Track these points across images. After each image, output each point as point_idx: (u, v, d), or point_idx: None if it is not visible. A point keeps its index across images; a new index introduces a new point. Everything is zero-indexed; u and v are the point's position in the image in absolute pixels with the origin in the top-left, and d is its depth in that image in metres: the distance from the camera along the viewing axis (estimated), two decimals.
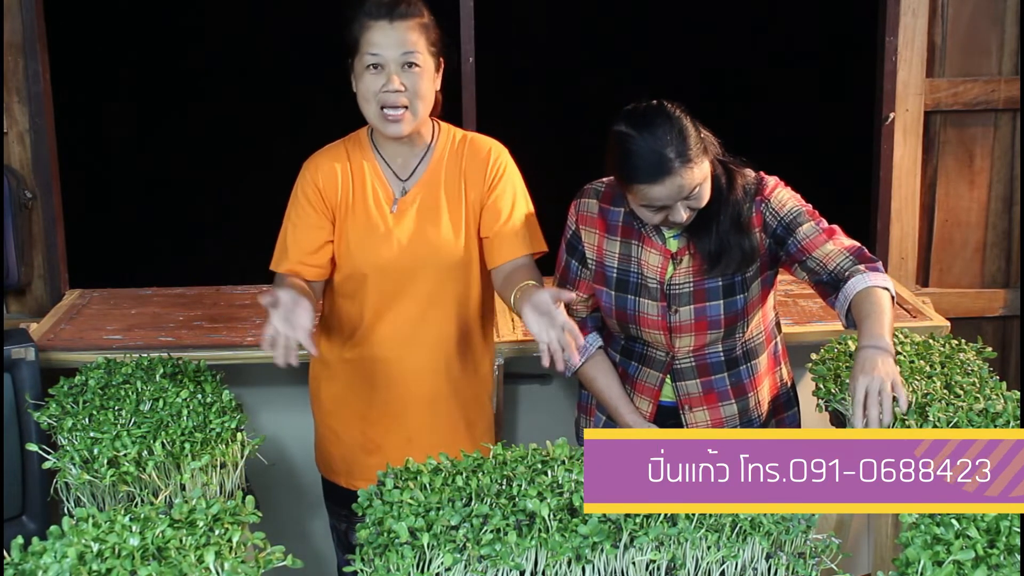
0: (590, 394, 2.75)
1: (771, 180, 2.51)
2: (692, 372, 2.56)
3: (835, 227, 2.49)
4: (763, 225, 2.47)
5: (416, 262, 2.55)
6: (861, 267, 2.41)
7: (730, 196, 2.44)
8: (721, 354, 2.56)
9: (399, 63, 2.44)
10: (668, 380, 2.58)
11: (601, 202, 2.55)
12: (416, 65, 2.45)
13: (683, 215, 2.36)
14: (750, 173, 2.50)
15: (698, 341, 2.53)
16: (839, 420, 2.55)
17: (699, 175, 2.33)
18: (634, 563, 1.90)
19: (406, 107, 2.46)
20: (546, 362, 2.25)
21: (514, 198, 2.60)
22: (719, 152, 2.44)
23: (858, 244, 2.47)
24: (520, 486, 2.01)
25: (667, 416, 2.58)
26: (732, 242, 2.44)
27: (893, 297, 2.43)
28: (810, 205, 2.50)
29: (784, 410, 2.72)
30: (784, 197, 2.49)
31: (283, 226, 2.61)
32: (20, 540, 1.85)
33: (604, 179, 2.57)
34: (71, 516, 1.93)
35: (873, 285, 2.38)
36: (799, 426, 2.76)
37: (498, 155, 2.61)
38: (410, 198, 2.58)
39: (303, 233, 2.56)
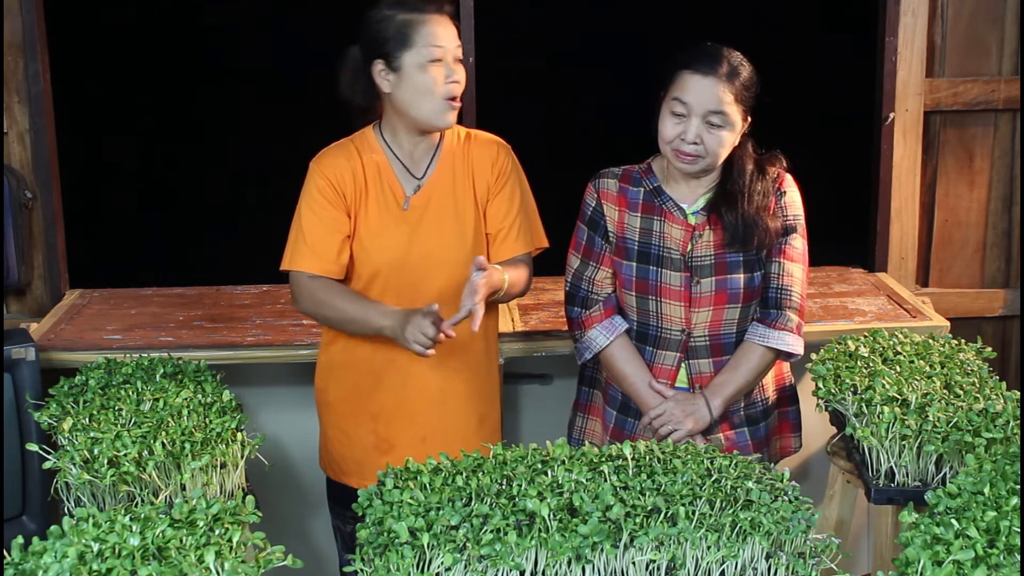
0: (590, 391, 2.76)
1: (788, 175, 2.63)
2: (706, 351, 2.59)
3: (807, 258, 2.63)
4: (773, 212, 2.58)
5: (430, 259, 2.56)
6: (781, 320, 2.56)
7: (759, 180, 2.56)
8: (734, 335, 2.60)
9: (454, 56, 2.49)
10: (684, 363, 2.61)
11: (620, 182, 2.63)
12: (461, 59, 2.51)
13: (693, 134, 2.45)
14: (779, 164, 2.62)
15: (715, 316, 2.56)
16: (839, 420, 2.56)
17: (734, 109, 2.46)
18: (634, 563, 1.90)
19: (459, 98, 2.51)
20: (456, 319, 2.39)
21: (517, 195, 2.62)
22: (753, 144, 2.59)
23: (804, 291, 2.62)
24: (520, 486, 2.01)
25: None
26: (759, 223, 2.53)
27: (789, 355, 2.61)
28: (804, 220, 2.64)
29: (788, 404, 2.77)
30: (795, 200, 2.62)
31: (295, 225, 2.58)
32: (20, 540, 1.85)
33: (620, 166, 2.65)
34: (71, 516, 1.93)
35: (766, 345, 2.56)
36: (800, 424, 2.78)
37: (504, 152, 2.63)
38: (422, 195, 2.58)
39: (325, 231, 2.55)
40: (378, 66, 2.51)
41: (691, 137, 2.46)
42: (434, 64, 2.47)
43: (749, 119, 2.54)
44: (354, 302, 2.54)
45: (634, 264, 2.59)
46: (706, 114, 2.45)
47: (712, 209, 2.56)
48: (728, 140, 2.49)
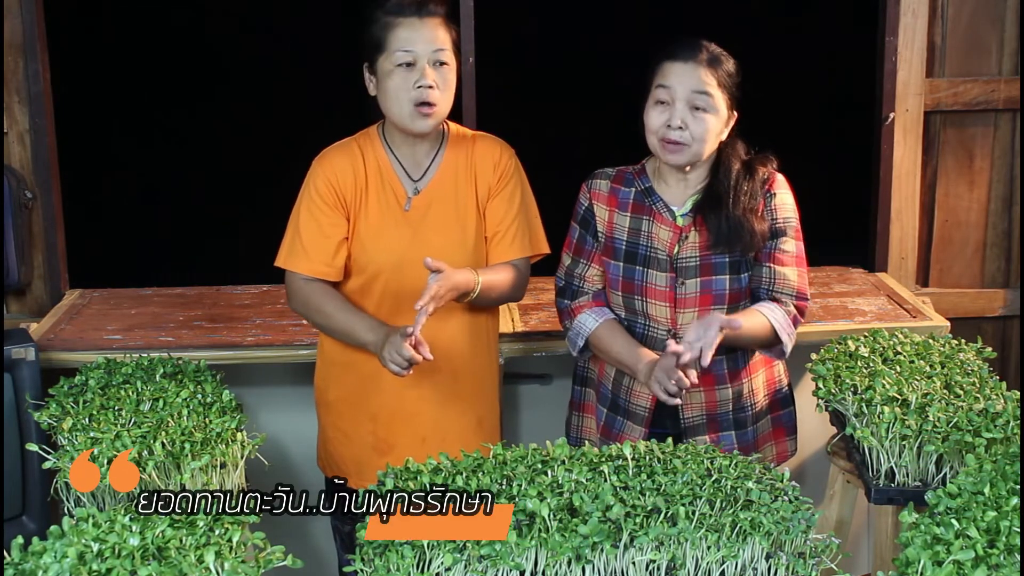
0: (583, 389, 2.76)
1: (779, 176, 2.61)
2: None
3: (804, 258, 2.61)
4: (760, 215, 2.56)
5: None
6: (783, 311, 2.55)
7: (747, 181, 2.54)
8: None
9: (431, 60, 2.46)
10: None
11: (612, 182, 2.63)
12: (445, 63, 2.48)
13: (677, 119, 2.46)
14: (770, 165, 2.60)
15: (700, 317, 2.55)
16: (839, 420, 2.56)
17: (717, 93, 2.47)
18: (634, 563, 1.90)
19: (436, 103, 2.47)
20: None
21: (517, 199, 2.62)
22: (744, 147, 2.58)
23: (806, 291, 2.60)
24: (520, 486, 2.01)
25: (665, 404, 2.58)
26: (744, 224, 2.52)
27: (783, 352, 2.60)
28: (798, 221, 2.61)
29: (780, 407, 2.75)
30: (786, 201, 2.60)
31: (292, 223, 2.58)
32: (20, 540, 1.85)
33: (614, 167, 2.66)
34: (71, 516, 1.93)
35: (769, 318, 2.52)
36: (795, 426, 2.78)
37: (507, 154, 2.63)
38: (423, 197, 2.58)
39: (321, 234, 2.55)
40: (365, 70, 2.53)
41: (676, 122, 2.46)
42: (404, 68, 2.46)
43: (736, 115, 2.54)
44: (343, 312, 2.54)
45: (621, 264, 2.59)
46: (690, 97, 2.45)
47: (698, 210, 2.55)
48: (713, 127, 2.48)
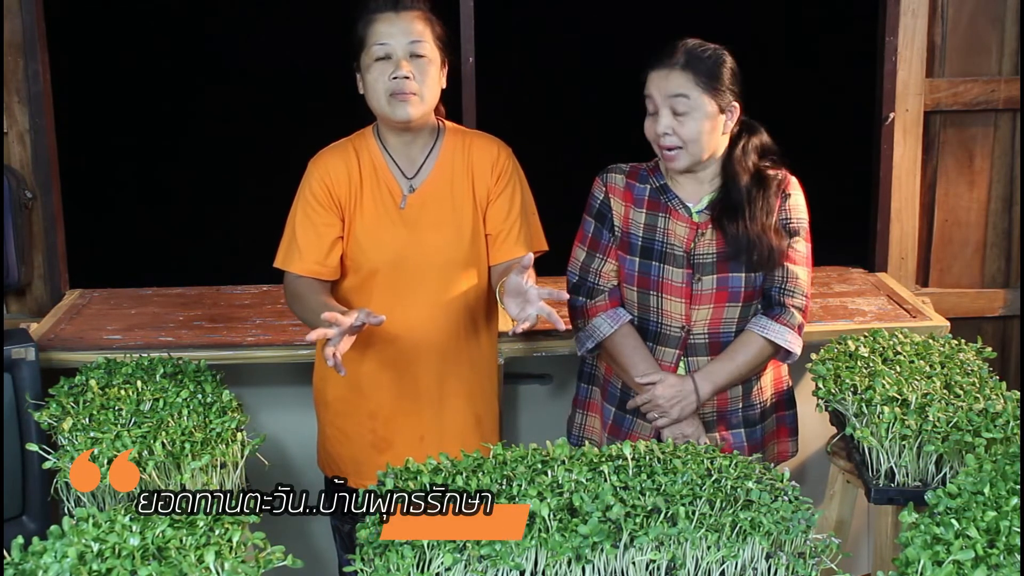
0: (588, 387, 2.76)
1: (793, 178, 2.63)
2: (705, 348, 2.59)
3: (811, 260, 2.63)
4: (777, 230, 2.57)
5: (426, 259, 2.56)
6: (785, 316, 2.56)
7: (759, 197, 2.54)
8: (733, 334, 2.60)
9: (407, 52, 2.48)
10: (683, 359, 2.61)
11: (627, 177, 2.64)
12: (423, 55, 2.48)
13: (663, 125, 2.47)
14: (782, 169, 2.62)
15: (715, 314, 2.57)
16: (839, 420, 2.56)
17: (696, 93, 2.46)
18: (634, 563, 1.90)
19: (414, 93, 2.48)
20: (518, 329, 2.24)
21: (518, 197, 2.62)
22: (756, 157, 2.58)
23: (809, 293, 2.62)
24: (520, 486, 2.01)
25: None
26: (763, 239, 2.53)
27: (787, 354, 2.60)
28: (808, 224, 2.63)
29: (785, 407, 2.76)
30: (800, 203, 2.62)
31: (290, 224, 2.60)
32: (20, 540, 1.85)
33: (627, 163, 2.67)
34: (71, 516, 1.93)
35: (765, 337, 2.56)
36: (796, 428, 2.78)
37: (504, 154, 2.63)
38: (419, 195, 2.59)
39: (315, 234, 2.56)
40: (354, 70, 2.55)
41: (661, 129, 2.48)
42: (381, 62, 2.48)
43: (734, 115, 2.52)
44: (312, 303, 2.48)
45: (637, 259, 2.60)
46: (669, 103, 2.47)
47: (715, 224, 2.56)
48: (700, 127, 2.48)
